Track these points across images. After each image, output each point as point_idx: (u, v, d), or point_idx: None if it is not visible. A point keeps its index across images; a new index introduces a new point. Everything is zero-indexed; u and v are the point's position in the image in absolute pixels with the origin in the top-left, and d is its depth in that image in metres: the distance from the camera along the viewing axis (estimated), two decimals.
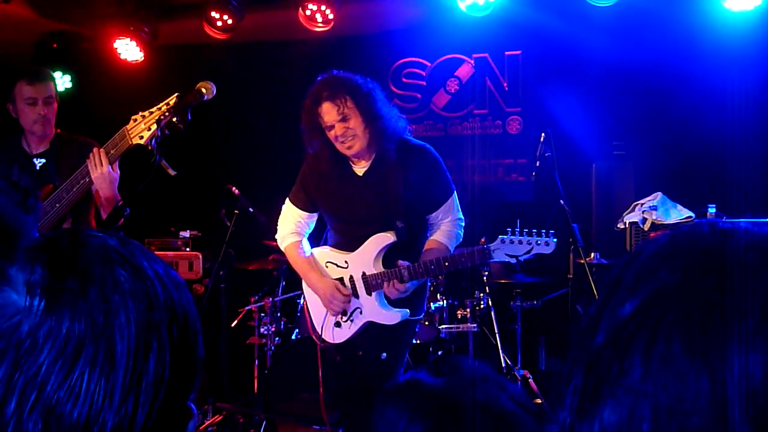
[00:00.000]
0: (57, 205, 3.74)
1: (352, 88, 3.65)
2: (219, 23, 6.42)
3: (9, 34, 7.13)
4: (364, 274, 3.79)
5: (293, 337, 5.21)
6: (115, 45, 6.68)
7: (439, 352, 5.22)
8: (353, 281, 3.83)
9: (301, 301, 5.30)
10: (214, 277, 5.74)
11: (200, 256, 6.00)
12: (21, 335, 0.86)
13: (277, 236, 4.07)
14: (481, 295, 5.47)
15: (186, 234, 6.15)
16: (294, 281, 5.91)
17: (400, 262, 3.67)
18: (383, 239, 3.73)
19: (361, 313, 3.84)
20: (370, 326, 3.85)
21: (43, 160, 4.17)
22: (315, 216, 4.01)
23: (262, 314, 5.53)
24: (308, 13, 6.24)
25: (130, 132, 3.45)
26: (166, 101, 3.33)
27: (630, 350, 0.66)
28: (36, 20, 6.83)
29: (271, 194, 6.63)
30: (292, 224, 3.99)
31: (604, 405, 0.66)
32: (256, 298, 5.67)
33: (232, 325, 5.74)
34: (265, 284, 5.99)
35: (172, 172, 3.18)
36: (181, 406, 0.96)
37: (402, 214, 3.72)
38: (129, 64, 6.83)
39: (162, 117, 3.28)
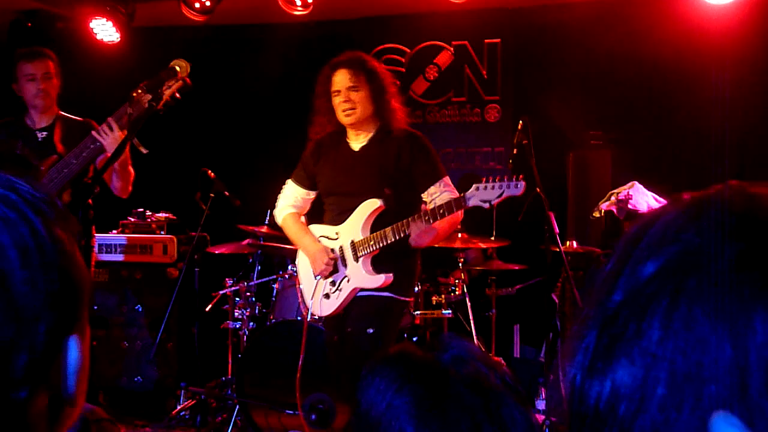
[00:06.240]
0: (65, 170, 4.08)
1: (371, 68, 3.98)
2: (197, 5, 6.36)
3: None
4: (352, 241, 3.95)
5: (268, 322, 5.18)
6: (92, 25, 6.58)
7: (414, 339, 5.21)
8: (342, 250, 3.99)
9: (276, 285, 5.33)
10: (189, 261, 5.70)
11: (175, 240, 5.97)
12: None
13: (275, 211, 4.31)
14: (457, 281, 5.47)
15: (161, 217, 6.11)
16: (269, 266, 5.91)
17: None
18: (370, 205, 3.91)
19: (348, 281, 3.97)
20: (358, 302, 3.95)
21: (45, 133, 4.59)
22: (313, 195, 4.24)
23: (237, 299, 5.51)
24: None
25: (142, 99, 3.61)
26: (165, 70, 3.55)
27: (649, 311, 0.63)
28: None
29: (246, 178, 6.63)
30: (291, 199, 4.25)
31: (618, 364, 0.64)
32: (231, 282, 5.64)
33: (207, 309, 5.71)
34: (240, 269, 5.96)
35: (144, 150, 3.15)
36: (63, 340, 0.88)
37: (390, 183, 3.92)
38: (105, 45, 6.73)
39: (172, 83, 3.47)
